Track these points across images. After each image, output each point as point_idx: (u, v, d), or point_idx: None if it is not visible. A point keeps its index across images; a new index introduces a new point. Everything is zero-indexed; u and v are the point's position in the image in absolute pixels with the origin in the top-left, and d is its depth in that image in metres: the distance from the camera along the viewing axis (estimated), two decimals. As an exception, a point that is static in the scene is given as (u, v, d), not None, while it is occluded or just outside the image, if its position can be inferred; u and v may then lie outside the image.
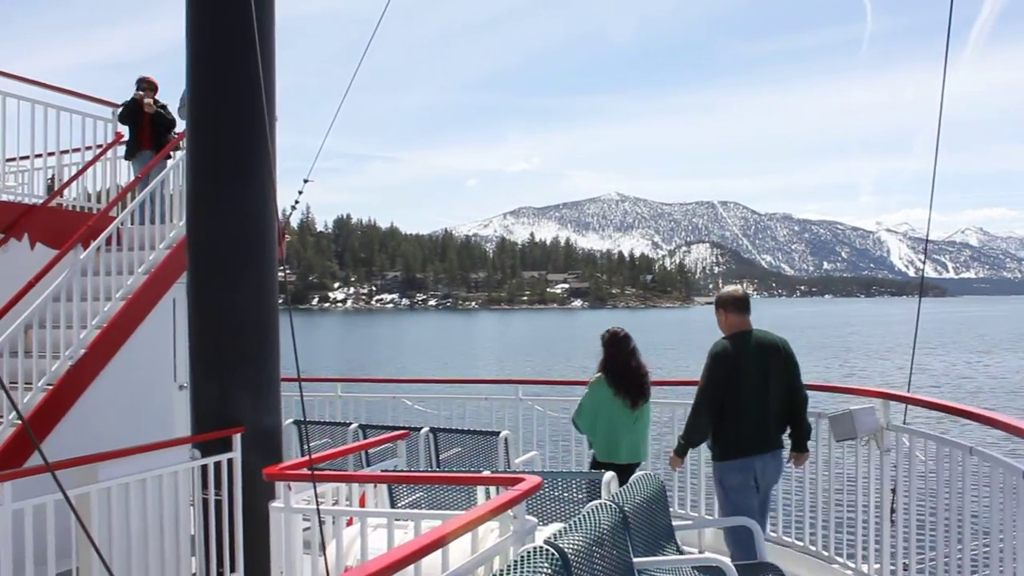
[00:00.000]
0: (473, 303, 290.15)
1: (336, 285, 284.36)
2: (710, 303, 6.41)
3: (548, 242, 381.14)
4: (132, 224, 8.24)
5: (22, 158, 9.25)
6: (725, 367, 5.62)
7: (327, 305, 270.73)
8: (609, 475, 5.02)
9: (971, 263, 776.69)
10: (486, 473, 4.54)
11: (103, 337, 7.24)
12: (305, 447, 7.68)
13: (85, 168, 9.34)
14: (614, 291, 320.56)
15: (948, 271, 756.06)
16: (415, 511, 4.83)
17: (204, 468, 5.42)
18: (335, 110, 5.93)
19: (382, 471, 5.75)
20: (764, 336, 5.78)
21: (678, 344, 68.72)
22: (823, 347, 65.72)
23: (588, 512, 3.77)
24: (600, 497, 4.72)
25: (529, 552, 3.06)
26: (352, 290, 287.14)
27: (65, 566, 4.80)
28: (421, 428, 7.43)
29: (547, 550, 3.09)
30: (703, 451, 6.63)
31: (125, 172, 9.94)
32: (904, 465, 5.65)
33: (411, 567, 2.90)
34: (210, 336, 5.63)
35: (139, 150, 9.72)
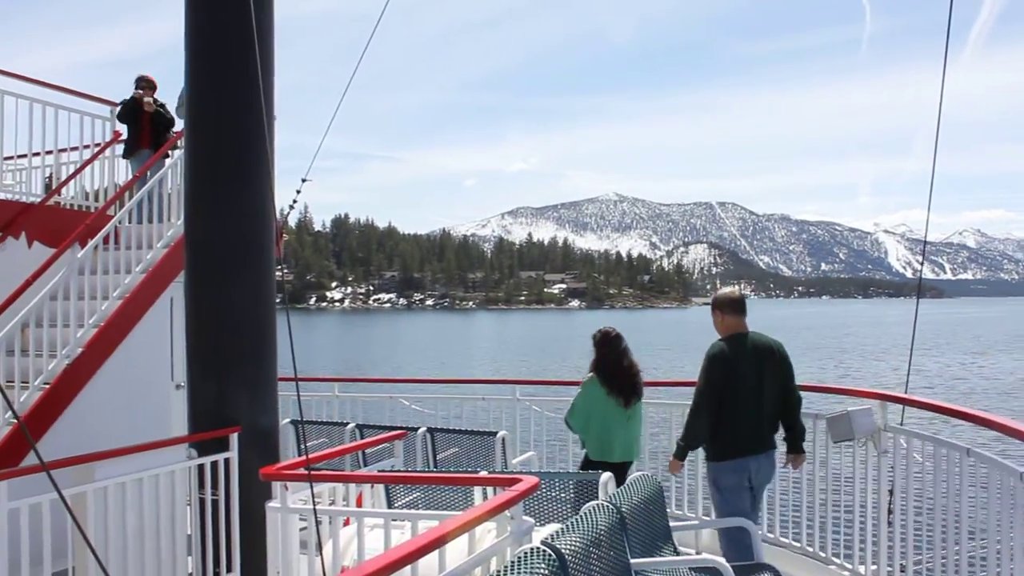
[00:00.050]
0: (470, 303, 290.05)
1: (334, 285, 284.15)
2: (707, 304, 6.42)
3: (546, 242, 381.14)
4: (130, 223, 8.23)
5: (20, 156, 9.24)
6: (723, 368, 5.63)
7: (324, 305, 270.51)
8: (606, 476, 5.03)
9: (968, 264, 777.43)
10: (483, 473, 4.54)
11: (100, 336, 7.22)
12: (302, 447, 7.69)
13: (83, 167, 9.33)
14: (611, 291, 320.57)
15: (945, 272, 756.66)
16: (412, 511, 4.83)
17: (201, 468, 5.42)
18: (334, 109, 5.93)
19: (379, 471, 5.75)
20: (759, 338, 5.81)
21: (675, 345, 68.78)
22: (818, 348, 65.78)
23: (585, 513, 3.77)
24: (597, 498, 4.72)
25: (526, 553, 3.06)
26: (349, 290, 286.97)
27: (61, 566, 4.78)
28: (418, 428, 7.43)
29: (544, 551, 3.09)
30: (700, 452, 6.63)
31: (123, 171, 9.93)
32: (901, 466, 5.66)
33: (408, 568, 2.90)
34: (208, 335, 5.62)
35: (138, 149, 9.71)
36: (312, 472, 4.33)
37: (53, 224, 8.33)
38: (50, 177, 9.71)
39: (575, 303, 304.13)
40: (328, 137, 6.03)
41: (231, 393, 5.55)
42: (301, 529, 4.72)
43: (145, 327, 7.65)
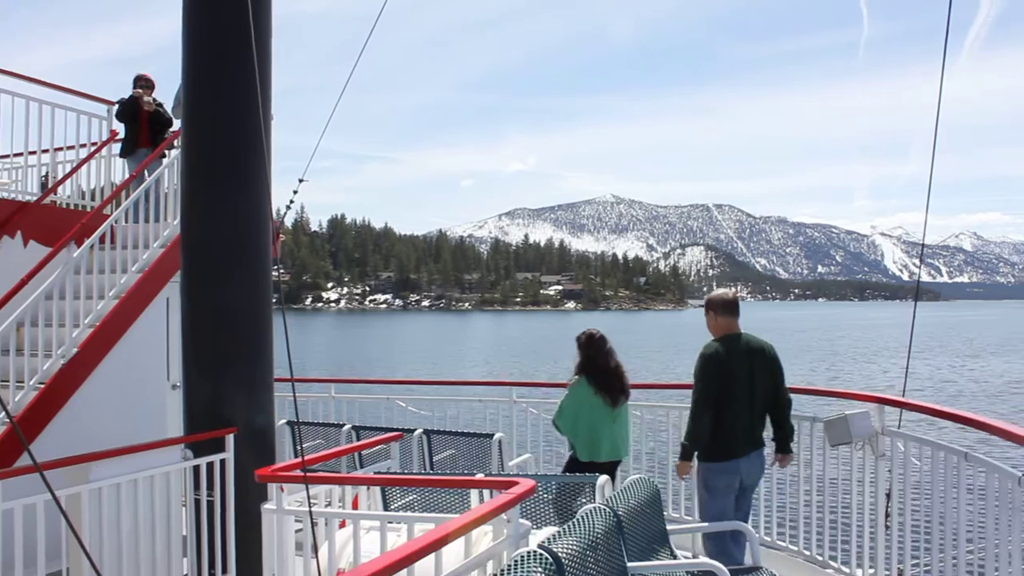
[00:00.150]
0: (466, 304, 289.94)
1: (330, 285, 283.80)
2: (703, 306, 6.43)
3: (542, 244, 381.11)
4: (126, 222, 8.21)
5: (16, 155, 9.21)
6: (718, 368, 5.68)
7: (320, 305, 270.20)
8: (603, 478, 5.01)
9: (965, 267, 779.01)
10: (480, 476, 4.53)
11: (96, 336, 7.20)
12: (298, 448, 7.67)
13: (79, 166, 9.30)
14: (607, 293, 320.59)
15: (942, 275, 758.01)
16: (408, 514, 4.81)
17: (196, 468, 5.40)
18: (331, 109, 5.91)
19: (375, 473, 5.74)
20: (751, 339, 5.86)
21: (668, 347, 68.78)
22: (810, 350, 65.96)
23: (582, 516, 3.75)
24: (594, 501, 4.71)
25: (523, 556, 3.05)
26: (346, 290, 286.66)
27: (55, 567, 4.76)
28: (415, 430, 7.41)
29: (541, 554, 3.08)
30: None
31: (119, 170, 9.91)
32: (899, 470, 5.65)
33: (404, 571, 2.88)
34: (204, 335, 5.61)
35: (136, 148, 9.69)
36: (308, 474, 4.32)
37: (49, 223, 8.31)
38: (46, 176, 9.68)
39: (571, 305, 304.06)
40: (325, 137, 6.01)
41: (227, 394, 5.54)
42: (297, 531, 4.70)
43: (141, 327, 7.63)
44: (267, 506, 4.50)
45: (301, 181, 5.96)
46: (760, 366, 5.76)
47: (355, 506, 5.26)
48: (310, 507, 4.01)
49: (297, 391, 5.67)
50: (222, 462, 5.45)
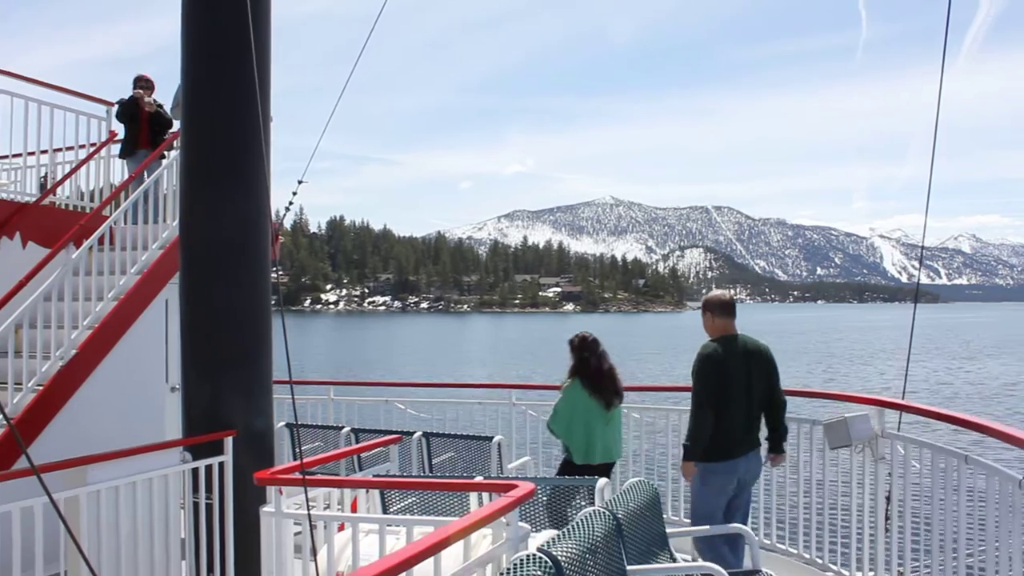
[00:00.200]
0: (465, 306, 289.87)
1: (328, 287, 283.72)
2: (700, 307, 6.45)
3: (541, 246, 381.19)
4: (125, 224, 8.20)
5: (14, 156, 9.20)
6: (717, 368, 5.70)
7: (319, 307, 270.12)
8: (603, 481, 5.00)
9: (963, 269, 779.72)
10: (479, 479, 4.52)
11: (94, 337, 7.19)
12: (297, 451, 7.66)
13: (78, 167, 9.29)
14: (606, 296, 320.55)
15: (941, 277, 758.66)
16: (407, 517, 4.80)
17: (195, 471, 5.38)
18: (331, 110, 5.90)
19: (374, 475, 5.72)
20: (748, 340, 5.91)
21: (666, 349, 68.76)
22: (807, 352, 65.91)
23: (582, 519, 3.74)
24: (594, 504, 4.70)
25: (522, 560, 3.05)
26: (344, 292, 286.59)
27: (53, 570, 4.74)
28: (414, 432, 7.40)
29: (540, 558, 3.07)
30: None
31: (119, 171, 9.89)
32: (899, 473, 5.64)
33: (403, 574, 2.87)
34: (203, 337, 5.59)
35: (136, 149, 9.67)
36: (307, 476, 4.31)
37: (48, 224, 8.30)
38: (45, 177, 9.67)
39: (570, 307, 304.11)
40: (324, 139, 6.00)
41: (226, 396, 5.53)
42: (296, 534, 4.69)
43: (140, 329, 7.62)
44: (266, 509, 4.49)
45: (300, 182, 5.95)
46: (757, 367, 5.80)
47: (354, 509, 5.25)
48: (309, 510, 4.00)
49: (296, 393, 5.66)
50: (221, 465, 5.43)
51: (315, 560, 4.20)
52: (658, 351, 65.84)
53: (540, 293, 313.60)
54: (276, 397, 5.93)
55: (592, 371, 6.75)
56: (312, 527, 4.06)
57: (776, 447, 6.00)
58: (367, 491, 5.29)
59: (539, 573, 3.00)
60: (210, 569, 5.38)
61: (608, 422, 6.75)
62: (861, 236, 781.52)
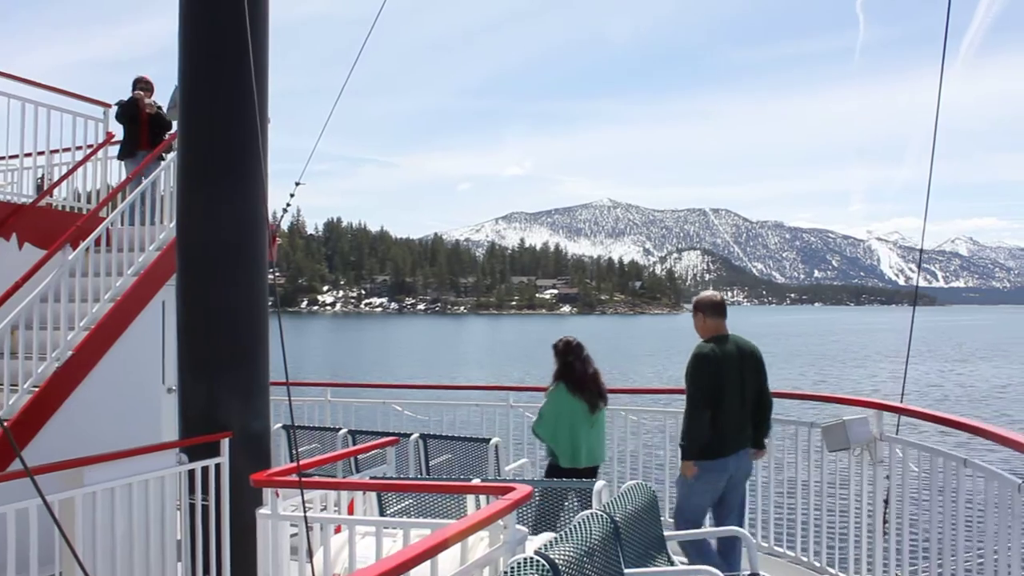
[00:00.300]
0: (462, 308, 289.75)
1: (325, 288, 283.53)
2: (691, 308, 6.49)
3: (538, 248, 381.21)
4: (122, 225, 8.18)
5: (11, 157, 9.18)
6: (712, 367, 5.74)
7: (316, 308, 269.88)
8: (600, 484, 4.99)
9: (960, 272, 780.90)
10: (476, 481, 4.51)
11: (91, 339, 7.17)
12: (293, 452, 7.64)
13: (75, 168, 9.27)
14: (603, 297, 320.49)
15: (938, 280, 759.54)
16: (404, 519, 4.79)
17: (191, 473, 5.36)
18: (328, 112, 5.89)
19: (371, 478, 5.71)
20: (739, 340, 5.96)
21: (660, 351, 68.64)
22: (801, 354, 65.96)
23: (579, 522, 3.73)
24: (591, 507, 4.69)
25: (519, 563, 3.04)
26: (341, 293, 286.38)
27: (48, 571, 4.72)
28: (411, 434, 7.39)
29: (537, 561, 3.06)
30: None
31: (116, 172, 9.87)
32: (897, 476, 5.63)
33: (400, 577, 2.85)
34: (199, 339, 5.58)
35: (136, 150, 9.65)
36: (303, 478, 4.29)
37: (44, 225, 8.28)
38: (42, 178, 9.65)
39: (567, 309, 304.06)
40: (322, 140, 5.99)
41: (223, 397, 5.51)
42: (292, 536, 4.67)
43: (136, 330, 7.60)
44: (262, 511, 4.47)
45: (298, 184, 5.94)
46: (749, 367, 5.87)
47: (351, 511, 5.23)
48: (305, 512, 3.98)
49: (293, 395, 5.63)
50: (217, 466, 5.42)
51: (311, 562, 4.18)
52: (652, 353, 65.87)
53: (537, 295, 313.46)
54: (273, 399, 5.91)
55: (577, 375, 6.79)
56: (309, 529, 4.04)
57: (759, 443, 6.08)
58: (364, 493, 5.27)
59: (537, 576, 2.99)
60: (206, 571, 5.36)
61: (593, 425, 6.79)
62: (858, 239, 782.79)
